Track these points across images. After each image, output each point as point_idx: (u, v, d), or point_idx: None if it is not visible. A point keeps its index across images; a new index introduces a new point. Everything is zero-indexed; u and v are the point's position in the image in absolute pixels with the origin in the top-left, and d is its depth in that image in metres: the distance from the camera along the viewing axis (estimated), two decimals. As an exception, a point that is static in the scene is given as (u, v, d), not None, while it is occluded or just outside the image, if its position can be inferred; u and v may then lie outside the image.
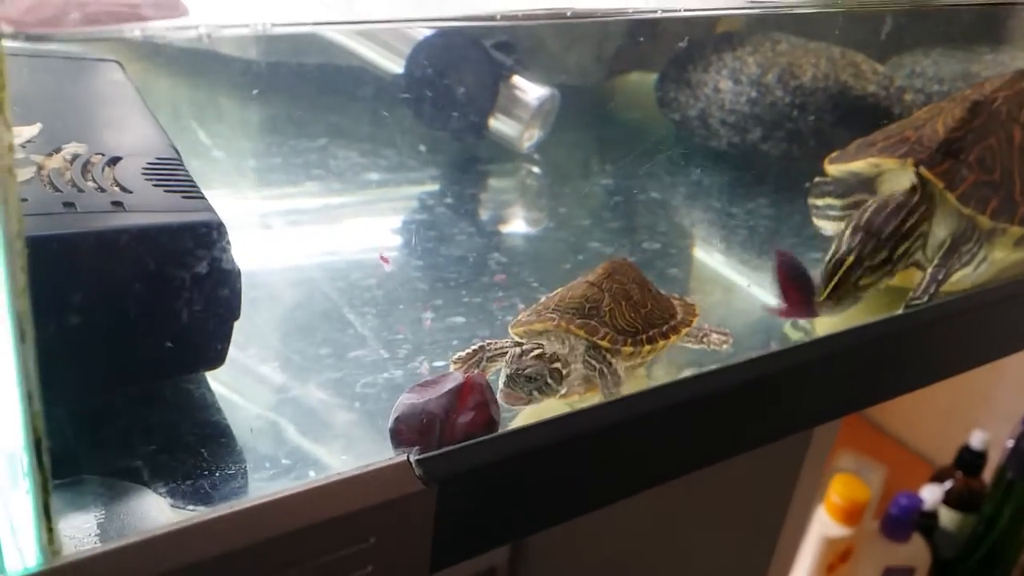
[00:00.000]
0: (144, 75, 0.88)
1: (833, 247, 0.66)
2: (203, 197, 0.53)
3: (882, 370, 0.69)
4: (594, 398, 0.56)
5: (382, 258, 0.71)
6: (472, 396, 0.47)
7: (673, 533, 1.09)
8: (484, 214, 0.82)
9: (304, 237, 0.75)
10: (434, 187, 0.86)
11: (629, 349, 0.56)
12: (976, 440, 1.61)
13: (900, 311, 0.66)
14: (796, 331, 0.68)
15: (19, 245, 0.31)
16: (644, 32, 1.05)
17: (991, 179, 0.69)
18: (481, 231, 0.77)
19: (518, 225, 0.82)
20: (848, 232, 0.66)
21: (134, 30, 0.36)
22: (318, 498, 0.41)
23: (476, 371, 0.54)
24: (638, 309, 0.58)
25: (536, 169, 0.91)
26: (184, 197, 0.53)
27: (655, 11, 0.71)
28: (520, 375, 0.52)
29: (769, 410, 0.61)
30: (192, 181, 0.55)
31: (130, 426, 0.50)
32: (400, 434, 0.46)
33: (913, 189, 0.68)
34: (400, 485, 0.42)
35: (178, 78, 0.93)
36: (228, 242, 0.51)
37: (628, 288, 0.58)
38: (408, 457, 0.43)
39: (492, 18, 0.56)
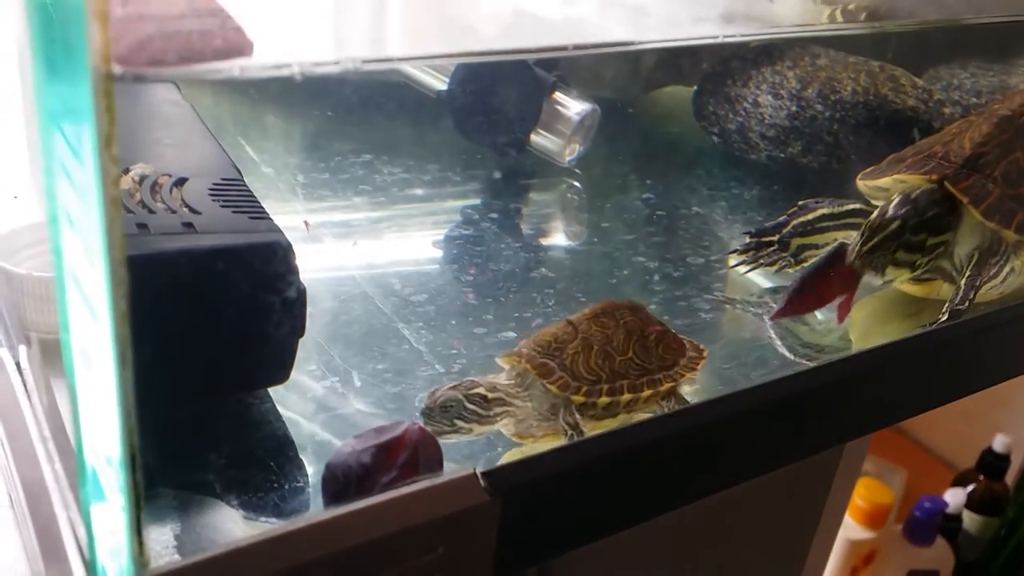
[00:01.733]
0: (189, 92, 0.91)
1: (877, 212, 0.67)
2: (268, 217, 0.55)
3: (922, 382, 0.70)
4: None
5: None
6: (401, 454, 0.45)
7: (701, 545, 1.10)
8: (528, 228, 0.83)
9: (353, 251, 0.77)
10: (477, 201, 0.87)
11: (580, 398, 0.54)
12: (999, 444, 1.61)
13: (942, 318, 0.66)
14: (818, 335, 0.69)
15: (121, 273, 0.33)
16: (680, 47, 1.06)
17: (1016, 193, 0.69)
18: (526, 246, 0.79)
19: (562, 239, 0.83)
20: (896, 201, 0.67)
21: (232, 70, 0.37)
22: (391, 510, 0.42)
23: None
24: (611, 356, 0.56)
25: (577, 183, 0.93)
26: (251, 218, 0.54)
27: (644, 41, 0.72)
28: (434, 408, 0.51)
29: (818, 422, 0.62)
30: (257, 201, 0.57)
31: (201, 441, 0.52)
32: (327, 483, 0.46)
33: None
34: (467, 497, 0.43)
35: (222, 95, 0.95)
36: (294, 262, 0.52)
37: (610, 333, 0.57)
38: (475, 470, 0.44)
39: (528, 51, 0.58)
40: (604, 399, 0.54)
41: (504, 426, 0.54)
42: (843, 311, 0.68)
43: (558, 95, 0.91)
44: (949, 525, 1.57)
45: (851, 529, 1.53)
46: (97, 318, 0.34)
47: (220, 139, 0.64)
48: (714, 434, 0.53)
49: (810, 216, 0.74)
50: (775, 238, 0.75)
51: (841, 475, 1.06)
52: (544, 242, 0.80)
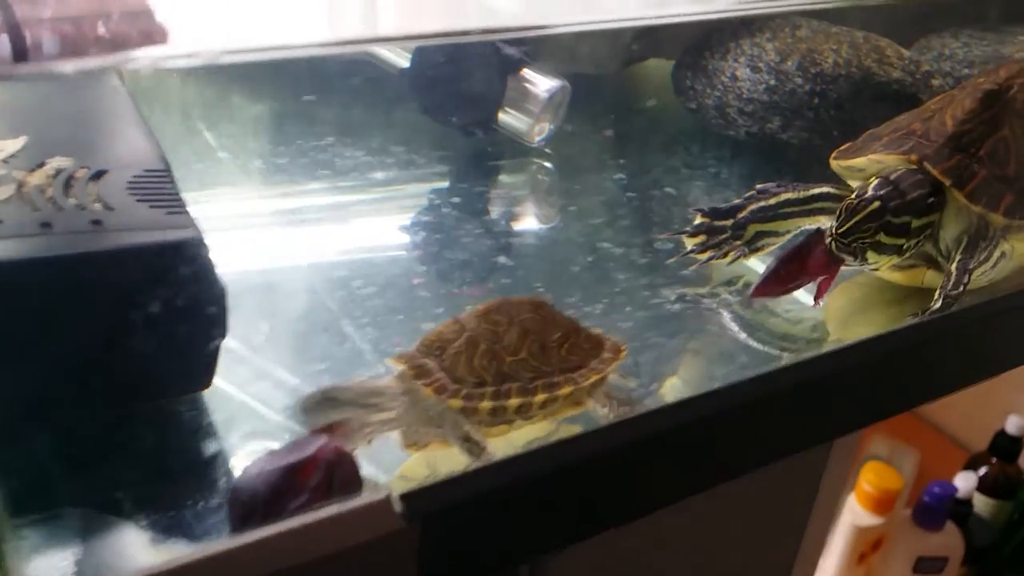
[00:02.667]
0: (146, 75, 0.87)
1: (856, 192, 0.63)
2: (186, 212, 0.51)
3: (919, 374, 0.66)
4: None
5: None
6: (313, 475, 0.41)
7: (695, 531, 1.07)
8: (492, 213, 0.79)
9: (303, 240, 0.74)
10: (442, 184, 0.84)
11: (457, 402, 0.49)
12: (1012, 425, 1.57)
13: (935, 306, 0.62)
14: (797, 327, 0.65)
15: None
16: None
17: (1004, 173, 0.65)
18: (488, 231, 0.75)
19: (527, 224, 0.80)
20: (876, 182, 0.63)
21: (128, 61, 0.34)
22: (298, 538, 0.39)
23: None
24: (499, 357, 0.51)
25: (548, 164, 0.89)
26: (168, 213, 0.51)
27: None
28: (315, 398, 0.47)
29: (788, 423, 0.59)
30: (177, 195, 0.53)
31: (113, 454, 0.48)
32: (233, 508, 0.42)
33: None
34: (382, 523, 0.40)
35: (190, 81, 0.92)
36: (210, 260, 0.49)
37: (501, 331, 0.51)
38: (390, 492, 0.40)
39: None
40: (487, 403, 0.49)
41: (395, 428, 0.50)
42: (820, 293, 0.65)
43: (526, 72, 0.87)
44: (959, 510, 1.54)
45: (858, 515, 1.50)
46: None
47: (180, 125, 0.61)
48: (662, 445, 0.49)
49: (772, 201, 0.69)
50: (728, 223, 0.69)
51: (831, 472, 1.02)
52: (506, 228, 0.77)
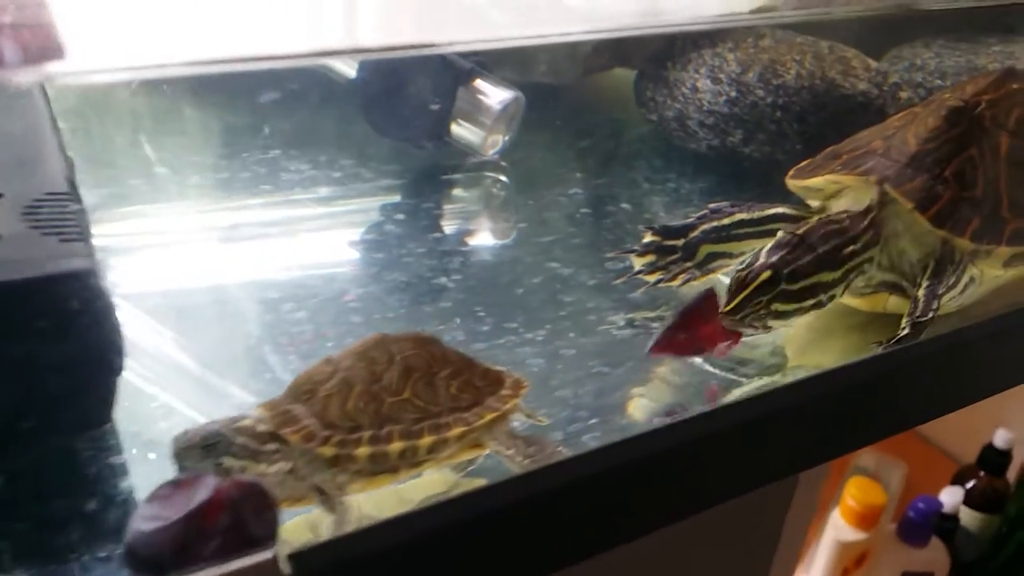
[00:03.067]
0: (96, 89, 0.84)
1: (749, 259, 0.58)
2: (85, 239, 0.48)
3: (885, 405, 0.62)
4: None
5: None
6: (220, 516, 0.37)
7: (664, 550, 1.03)
8: (438, 230, 0.76)
9: (234, 260, 0.70)
10: (389, 199, 0.80)
11: (330, 450, 0.45)
12: (1000, 439, 1.55)
13: (902, 332, 0.59)
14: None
15: None
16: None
17: (971, 195, 0.62)
18: (432, 250, 0.72)
19: (473, 242, 0.76)
20: (770, 246, 0.58)
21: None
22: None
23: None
24: (378, 398, 0.46)
25: (503, 177, 0.86)
26: (63, 240, 0.47)
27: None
28: (193, 446, 0.42)
29: (736, 463, 0.55)
30: (78, 220, 0.50)
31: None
32: (132, 558, 0.38)
33: (864, 213, 0.61)
34: (269, 585, 0.37)
35: (140, 95, 0.88)
36: (105, 291, 0.45)
37: (380, 370, 0.47)
38: (275, 553, 0.37)
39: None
40: (364, 449, 0.45)
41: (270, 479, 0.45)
42: (723, 352, 0.60)
43: (479, 83, 0.83)
44: (945, 525, 1.52)
45: (842, 530, 1.47)
46: None
47: (121, 139, 0.57)
48: (582, 492, 0.46)
49: (725, 221, 0.65)
50: (679, 243, 0.65)
51: (799, 500, 0.99)
52: (451, 246, 0.73)
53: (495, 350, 0.59)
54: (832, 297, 0.60)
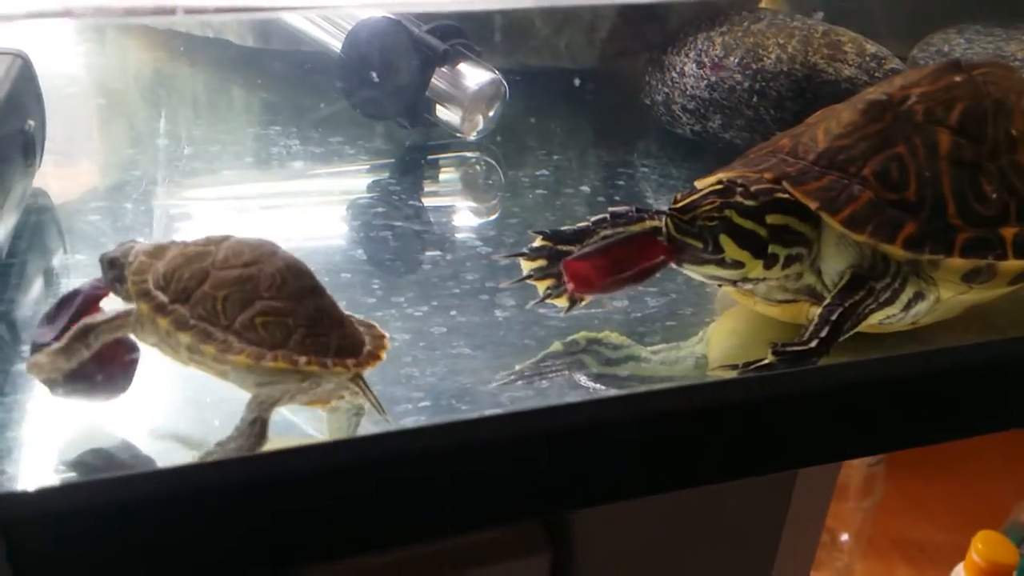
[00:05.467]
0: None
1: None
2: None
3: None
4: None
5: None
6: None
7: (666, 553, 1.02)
8: (383, 206, 0.76)
9: (194, 231, 0.73)
10: (357, 176, 0.82)
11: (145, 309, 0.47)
12: None
13: (765, 359, 0.53)
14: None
15: None
16: (640, 11, 0.96)
17: (902, 198, 0.55)
18: (364, 224, 0.73)
19: (409, 220, 0.76)
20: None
21: None
22: None
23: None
24: (206, 288, 0.47)
25: (489, 159, 0.86)
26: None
27: None
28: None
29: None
30: None
31: None
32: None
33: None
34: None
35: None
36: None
37: (237, 262, 0.48)
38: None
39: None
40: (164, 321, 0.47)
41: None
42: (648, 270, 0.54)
43: (461, 65, 0.84)
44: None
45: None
46: None
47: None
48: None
49: (635, 228, 0.59)
50: (574, 249, 0.58)
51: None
52: (383, 222, 0.73)
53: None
54: (779, 265, 0.55)
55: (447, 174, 0.85)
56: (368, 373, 0.49)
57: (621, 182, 0.81)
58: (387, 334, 0.51)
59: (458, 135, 0.85)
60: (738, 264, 0.55)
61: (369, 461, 0.47)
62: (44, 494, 0.40)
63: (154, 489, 0.42)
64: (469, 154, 0.86)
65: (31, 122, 0.67)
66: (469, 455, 0.50)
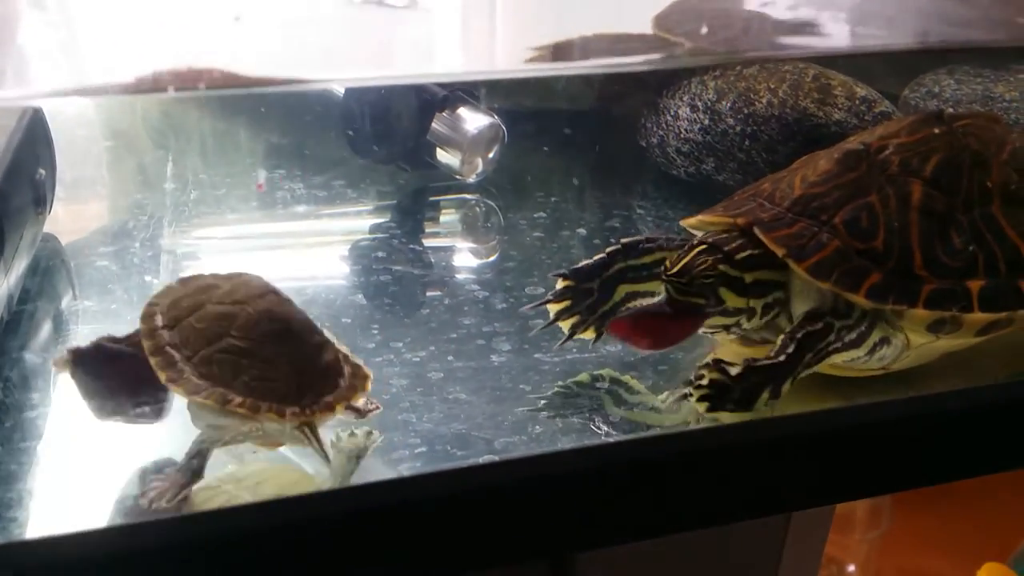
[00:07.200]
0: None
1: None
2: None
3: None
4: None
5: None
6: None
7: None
8: (383, 251, 0.78)
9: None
10: (360, 218, 0.84)
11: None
12: None
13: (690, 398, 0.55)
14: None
15: None
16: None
17: (870, 247, 0.56)
18: (365, 269, 0.75)
19: (410, 264, 0.78)
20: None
21: None
22: None
23: None
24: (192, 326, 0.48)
25: (489, 201, 0.88)
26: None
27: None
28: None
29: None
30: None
31: None
32: None
33: None
34: None
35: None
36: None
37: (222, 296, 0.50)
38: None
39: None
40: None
41: None
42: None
43: (461, 110, 0.86)
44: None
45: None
46: None
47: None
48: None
49: (647, 260, 0.61)
50: (595, 284, 0.61)
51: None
52: (383, 266, 0.75)
53: (369, 367, 0.61)
54: (756, 313, 0.58)
55: (447, 216, 0.87)
56: (372, 422, 0.52)
57: (617, 223, 0.82)
58: (370, 380, 0.52)
59: (458, 177, 0.87)
60: (740, 311, 0.57)
61: (360, 510, 0.48)
62: (55, 542, 0.42)
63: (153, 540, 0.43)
64: (469, 196, 0.88)
65: (42, 171, 0.69)
66: (464, 502, 0.51)
